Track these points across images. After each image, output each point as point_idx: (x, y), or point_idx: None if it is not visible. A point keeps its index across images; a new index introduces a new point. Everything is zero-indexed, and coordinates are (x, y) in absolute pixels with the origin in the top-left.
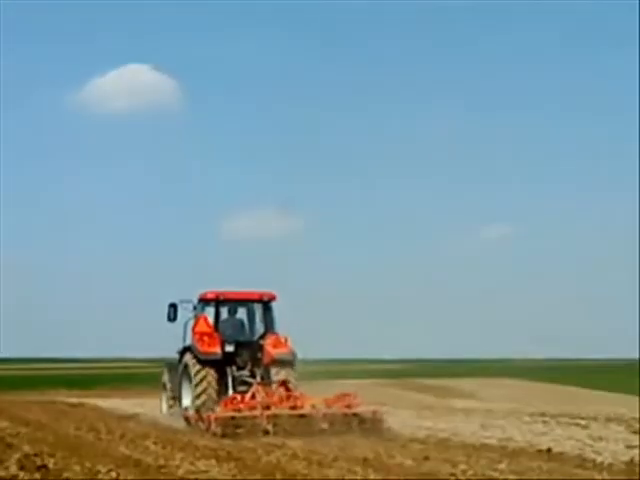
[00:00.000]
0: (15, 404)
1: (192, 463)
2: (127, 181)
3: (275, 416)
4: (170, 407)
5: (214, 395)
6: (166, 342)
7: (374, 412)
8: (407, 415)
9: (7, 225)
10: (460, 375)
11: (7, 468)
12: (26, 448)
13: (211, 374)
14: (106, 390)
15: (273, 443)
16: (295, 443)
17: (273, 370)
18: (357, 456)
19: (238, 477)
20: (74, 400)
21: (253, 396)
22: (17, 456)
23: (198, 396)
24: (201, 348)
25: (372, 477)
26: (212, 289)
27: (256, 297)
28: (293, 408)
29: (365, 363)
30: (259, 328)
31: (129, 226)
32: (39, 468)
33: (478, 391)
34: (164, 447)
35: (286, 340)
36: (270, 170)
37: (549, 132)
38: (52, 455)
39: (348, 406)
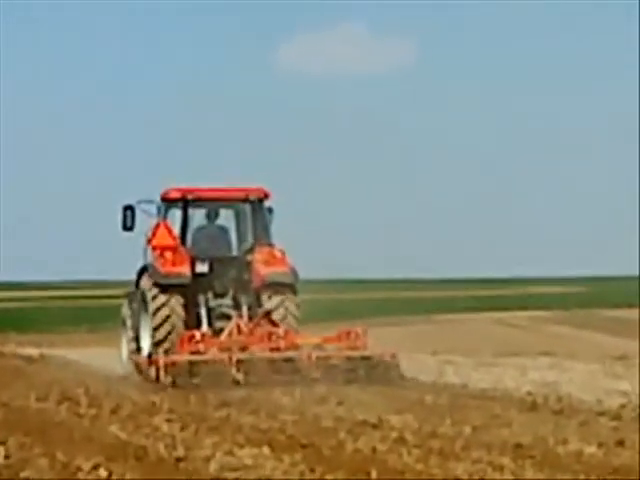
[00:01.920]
0: None
1: (230, 453)
2: None
3: (248, 361)
4: (133, 352)
5: (179, 332)
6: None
7: (391, 355)
8: (587, 371)
9: None
10: None
11: None
12: None
13: (175, 302)
14: (77, 333)
15: (365, 420)
16: (400, 419)
17: (265, 297)
18: (505, 440)
19: (309, 477)
20: (32, 351)
21: (231, 334)
22: None
23: (156, 329)
24: (161, 268)
25: (529, 474)
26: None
27: (239, 195)
28: (275, 350)
29: (477, 285)
30: (246, 239)
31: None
32: None
33: None
34: (184, 427)
35: (283, 254)
36: None
37: None
38: (2, 442)
39: (353, 347)
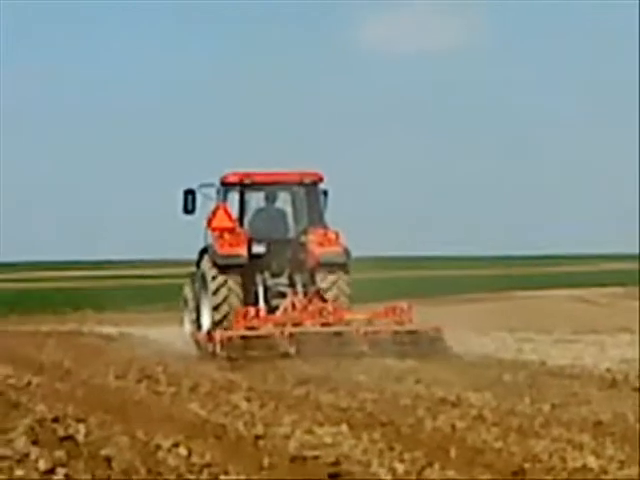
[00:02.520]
0: (20, 337)
1: (310, 431)
2: None
3: (300, 335)
4: (194, 330)
5: (237, 310)
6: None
7: (435, 329)
8: None
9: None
10: None
11: (12, 442)
12: (41, 409)
13: (233, 282)
14: (155, 311)
15: (444, 398)
16: (478, 397)
17: (319, 276)
18: (585, 417)
19: (388, 455)
20: (110, 329)
21: (286, 311)
22: (27, 422)
23: (216, 309)
24: (219, 249)
25: (610, 452)
26: (242, 170)
27: (294, 179)
28: (325, 325)
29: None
30: (302, 221)
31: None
32: (63, 440)
33: None
34: (263, 405)
35: (337, 236)
36: None
37: None
38: (82, 420)
39: (399, 322)
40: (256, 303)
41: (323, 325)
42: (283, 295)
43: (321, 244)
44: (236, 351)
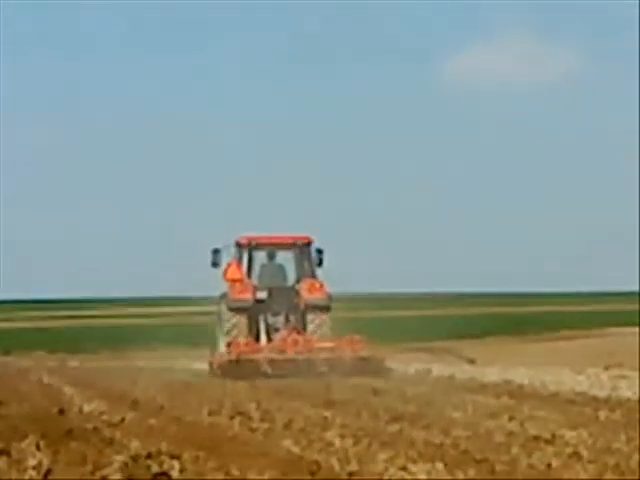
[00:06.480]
0: (113, 373)
1: (404, 468)
2: None
3: (277, 360)
4: (211, 355)
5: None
6: None
7: (380, 357)
8: None
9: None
10: None
11: (106, 478)
12: (135, 445)
13: (242, 321)
14: None
15: (539, 435)
16: (573, 435)
17: (308, 316)
18: None
19: None
20: (203, 365)
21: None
22: (121, 458)
23: (228, 343)
24: (231, 295)
25: None
26: (250, 233)
27: (289, 242)
28: (299, 352)
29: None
30: (296, 273)
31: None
32: (157, 476)
33: None
34: (357, 442)
35: (322, 284)
36: None
37: None
38: (176, 456)
39: (354, 350)
40: (259, 336)
41: (297, 352)
42: (279, 330)
43: (309, 291)
44: (229, 370)
